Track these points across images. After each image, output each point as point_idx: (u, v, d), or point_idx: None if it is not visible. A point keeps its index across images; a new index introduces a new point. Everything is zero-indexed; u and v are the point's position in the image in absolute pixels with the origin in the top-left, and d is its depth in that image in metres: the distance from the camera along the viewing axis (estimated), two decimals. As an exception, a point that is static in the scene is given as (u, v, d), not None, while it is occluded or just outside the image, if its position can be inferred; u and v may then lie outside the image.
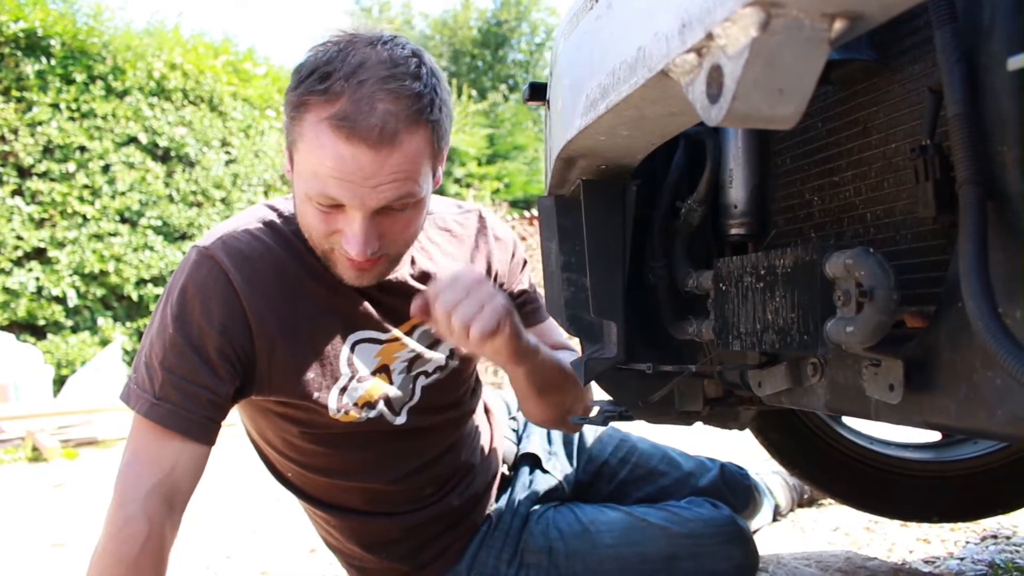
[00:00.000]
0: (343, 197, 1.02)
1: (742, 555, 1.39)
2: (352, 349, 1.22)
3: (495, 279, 1.38)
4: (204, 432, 1.13)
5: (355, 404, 1.23)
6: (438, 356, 1.31)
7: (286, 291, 1.17)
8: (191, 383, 1.11)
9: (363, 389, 1.24)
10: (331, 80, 1.00)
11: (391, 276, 1.23)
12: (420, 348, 1.28)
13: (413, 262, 1.27)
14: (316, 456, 1.29)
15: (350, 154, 0.99)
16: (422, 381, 1.30)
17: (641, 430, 1.59)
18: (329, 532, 1.41)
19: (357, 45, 1.03)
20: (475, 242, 1.38)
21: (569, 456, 1.57)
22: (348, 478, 1.31)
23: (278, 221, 1.21)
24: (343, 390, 1.22)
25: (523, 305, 1.43)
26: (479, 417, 1.46)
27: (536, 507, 1.42)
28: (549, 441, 1.57)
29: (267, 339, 1.16)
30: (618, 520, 1.40)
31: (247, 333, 1.14)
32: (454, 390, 1.36)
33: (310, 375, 1.20)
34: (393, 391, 1.26)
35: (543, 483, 1.46)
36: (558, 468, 1.51)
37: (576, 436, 1.60)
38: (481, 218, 1.42)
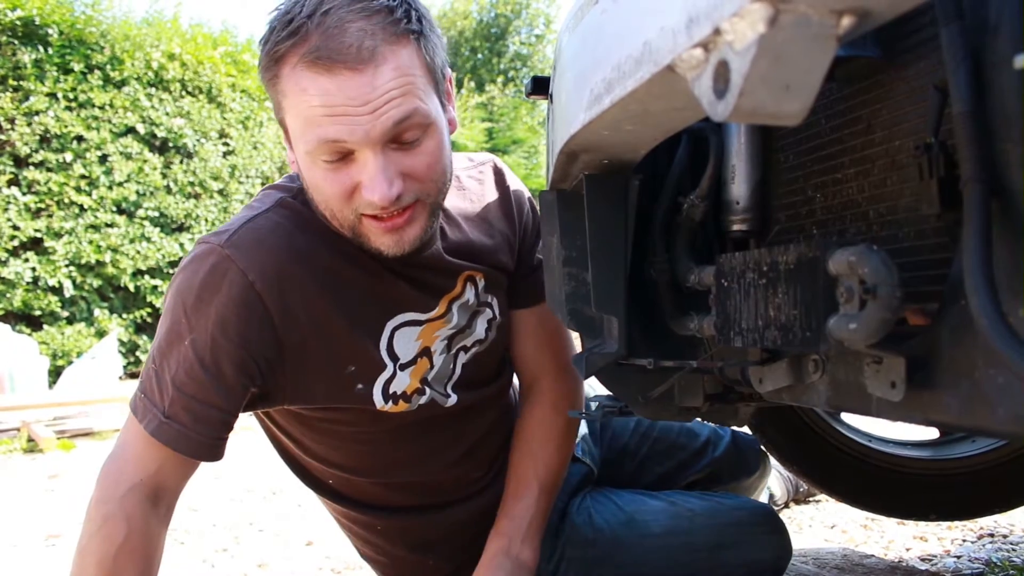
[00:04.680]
0: (342, 134, 0.93)
1: (781, 545, 1.40)
2: (392, 335, 1.15)
3: (518, 246, 1.30)
4: (210, 451, 1.08)
5: (403, 393, 1.17)
6: (478, 330, 1.25)
7: (317, 283, 1.08)
8: (202, 403, 1.05)
9: (407, 376, 1.17)
10: (293, 25, 0.93)
11: (425, 253, 1.14)
12: (462, 322, 1.23)
13: (444, 235, 1.20)
14: (365, 457, 1.24)
15: (334, 85, 0.91)
16: (462, 358, 1.25)
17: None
18: (369, 541, 1.36)
19: None
20: (498, 205, 1.28)
21: (593, 435, 1.55)
22: (400, 475, 1.27)
23: (296, 202, 1.10)
24: (388, 380, 1.15)
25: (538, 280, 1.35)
26: (510, 394, 1.42)
27: (572, 499, 1.41)
28: None
29: (297, 340, 1.07)
30: (663, 509, 1.38)
31: (272, 339, 1.06)
32: (491, 363, 1.32)
33: (351, 369, 1.12)
34: (433, 373, 1.21)
35: (576, 472, 1.43)
36: (587, 453, 1.49)
37: None
38: (497, 171, 1.31)
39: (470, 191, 1.27)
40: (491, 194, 1.29)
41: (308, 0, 0.94)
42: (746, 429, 1.76)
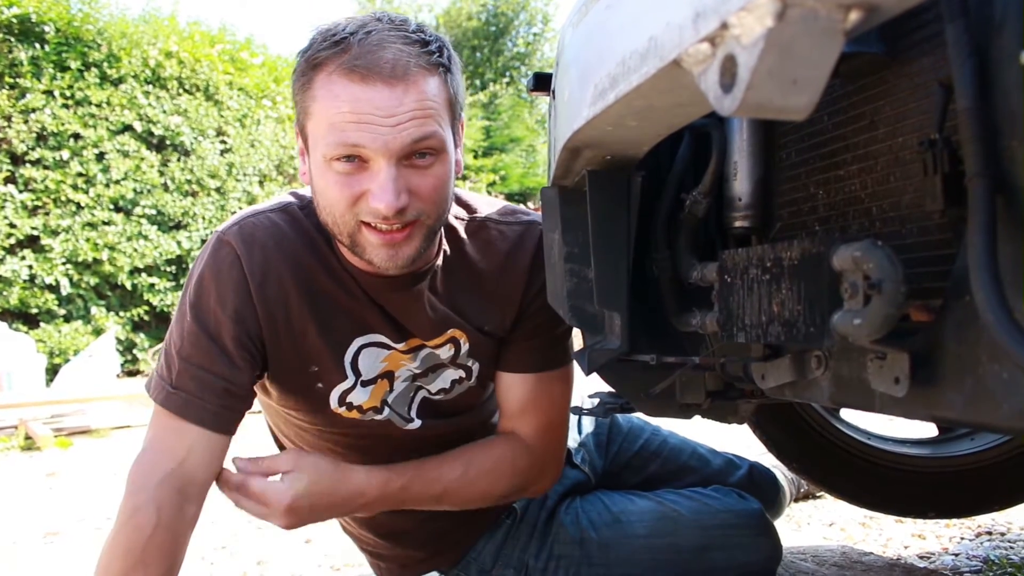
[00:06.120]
0: (364, 140, 0.98)
1: (771, 547, 1.40)
2: (359, 351, 1.19)
3: (517, 311, 1.23)
4: (219, 421, 1.11)
5: (358, 406, 1.22)
6: (441, 382, 1.25)
7: (296, 286, 1.14)
8: (207, 372, 1.11)
9: (367, 393, 1.21)
10: (336, 37, 1.00)
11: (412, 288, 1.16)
12: (424, 368, 1.23)
13: (435, 281, 1.19)
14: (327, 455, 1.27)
15: (366, 95, 0.97)
16: (423, 393, 1.27)
17: (669, 423, 1.56)
18: (344, 520, 1.41)
19: (362, 17, 1.05)
20: (512, 267, 1.21)
21: (598, 447, 1.55)
22: None
23: (301, 212, 1.17)
24: (347, 391, 1.20)
25: (531, 350, 1.26)
26: (489, 425, 1.39)
27: (562, 501, 1.41)
28: (579, 431, 1.55)
29: (272, 330, 1.14)
30: (649, 510, 1.39)
31: (255, 322, 1.13)
32: (462, 403, 1.30)
33: (314, 368, 1.17)
34: (392, 396, 1.24)
35: (571, 476, 1.44)
36: (587, 461, 1.49)
37: (607, 424, 1.58)
38: (536, 232, 1.22)
39: (490, 245, 1.22)
40: (511, 253, 1.22)
41: (353, 21, 1.03)
42: (764, 460, 1.76)
